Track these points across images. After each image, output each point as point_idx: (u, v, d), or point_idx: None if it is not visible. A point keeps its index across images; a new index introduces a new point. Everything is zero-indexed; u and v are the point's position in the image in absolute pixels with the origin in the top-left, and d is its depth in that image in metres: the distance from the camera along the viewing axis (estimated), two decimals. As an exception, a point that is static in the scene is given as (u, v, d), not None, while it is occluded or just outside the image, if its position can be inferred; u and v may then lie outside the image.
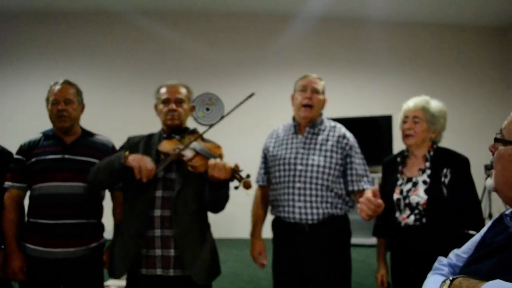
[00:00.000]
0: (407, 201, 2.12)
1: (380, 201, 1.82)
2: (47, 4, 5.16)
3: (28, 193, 2.26)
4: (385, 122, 4.67)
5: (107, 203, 2.37)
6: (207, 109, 5.24)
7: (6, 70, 5.46)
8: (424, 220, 2.06)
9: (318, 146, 2.25)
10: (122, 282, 2.71)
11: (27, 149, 2.23)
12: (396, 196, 2.16)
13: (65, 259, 2.15)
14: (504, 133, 1.08)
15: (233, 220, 4.34)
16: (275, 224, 2.33)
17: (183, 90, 2.18)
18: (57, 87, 2.25)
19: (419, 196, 2.09)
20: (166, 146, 2.05)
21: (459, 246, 1.39)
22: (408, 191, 2.14)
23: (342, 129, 2.32)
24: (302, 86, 2.30)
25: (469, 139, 4.75)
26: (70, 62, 5.41)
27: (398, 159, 2.28)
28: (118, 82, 5.40)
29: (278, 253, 2.30)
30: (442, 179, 2.08)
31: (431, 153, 2.18)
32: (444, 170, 2.09)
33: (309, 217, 2.18)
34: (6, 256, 2.16)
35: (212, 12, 5.40)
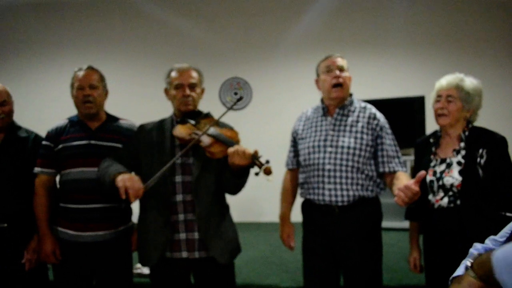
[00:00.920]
0: (440, 182, 2.06)
1: (417, 189, 1.76)
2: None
3: (58, 178, 2.32)
4: (418, 103, 4.54)
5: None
6: (235, 93, 5.27)
7: (31, 59, 5.59)
8: (458, 202, 2.01)
9: (348, 128, 2.21)
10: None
11: (54, 135, 2.28)
12: (429, 178, 2.11)
13: (94, 242, 2.20)
14: None
15: (263, 204, 4.36)
16: (305, 207, 2.32)
17: (195, 74, 2.16)
18: (82, 73, 2.27)
19: (453, 177, 2.03)
20: (181, 131, 2.04)
21: (495, 228, 1.35)
22: (442, 172, 2.08)
23: (372, 110, 2.27)
24: (326, 67, 2.24)
25: (507, 118, 4.57)
26: (93, 49, 5.48)
27: (431, 140, 2.21)
28: (143, 69, 5.44)
29: (308, 236, 2.29)
30: (478, 159, 2.01)
31: (466, 133, 2.11)
32: (480, 151, 2.02)
33: (339, 199, 2.15)
34: (39, 240, 2.25)
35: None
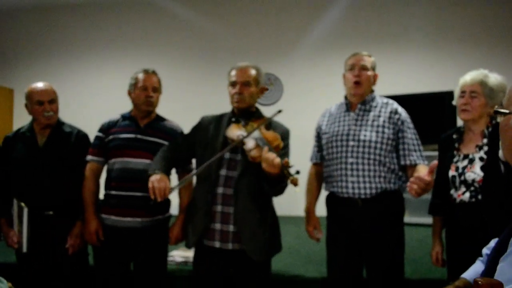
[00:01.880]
0: (462, 178, 2.09)
1: (429, 178, 1.81)
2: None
3: (105, 167, 2.50)
4: (447, 98, 4.49)
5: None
6: (266, 89, 5.34)
7: (73, 58, 5.81)
8: (479, 197, 2.03)
9: (369, 122, 2.27)
10: (186, 253, 2.90)
11: (106, 127, 2.48)
12: (451, 173, 2.14)
13: (133, 228, 2.35)
14: (503, 105, 1.11)
15: (293, 198, 4.42)
16: (329, 199, 2.38)
17: (251, 72, 2.23)
18: (146, 75, 2.45)
19: (475, 173, 2.06)
20: (232, 131, 2.14)
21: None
22: (464, 168, 2.11)
23: (394, 105, 2.32)
24: (350, 65, 2.32)
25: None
26: (138, 50, 5.67)
27: (455, 136, 2.24)
28: (183, 66, 5.59)
29: (332, 228, 2.36)
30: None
31: (489, 129, 2.12)
32: None
33: (362, 191, 2.21)
34: (84, 223, 2.42)
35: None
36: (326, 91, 5.05)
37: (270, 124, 2.21)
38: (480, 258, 1.33)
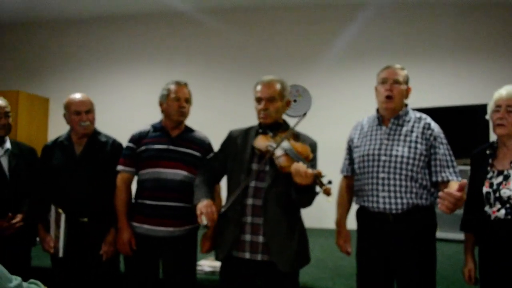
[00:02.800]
0: (497, 194, 2.06)
1: (459, 194, 1.79)
2: (143, 9, 5.58)
3: (136, 177, 2.55)
4: (480, 111, 4.41)
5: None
6: (295, 101, 5.36)
7: (107, 71, 5.98)
8: (515, 214, 1.99)
9: (402, 137, 2.25)
10: (214, 263, 2.93)
11: (138, 138, 2.53)
12: (485, 189, 2.10)
13: (164, 237, 2.39)
14: None
15: (322, 210, 4.39)
16: (360, 213, 2.38)
17: (277, 87, 2.22)
18: (178, 87, 2.51)
19: (511, 190, 2.02)
20: (260, 142, 2.17)
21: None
22: (499, 184, 2.07)
23: (427, 120, 2.30)
24: (382, 79, 2.31)
25: None
26: (169, 61, 5.78)
27: (488, 151, 2.20)
28: (209, 78, 5.66)
29: (363, 242, 2.34)
30: None
31: (526, 145, 2.08)
32: None
33: (393, 206, 2.19)
34: (117, 232, 2.47)
35: (297, 5, 5.46)
36: (355, 103, 5.05)
37: (298, 137, 2.22)
38: None
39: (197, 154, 2.49)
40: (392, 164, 2.21)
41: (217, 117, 5.20)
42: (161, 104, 2.55)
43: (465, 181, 1.80)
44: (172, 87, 2.51)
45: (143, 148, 2.48)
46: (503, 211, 2.03)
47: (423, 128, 2.25)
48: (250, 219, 2.14)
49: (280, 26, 5.56)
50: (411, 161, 2.19)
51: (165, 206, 2.39)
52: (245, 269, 2.16)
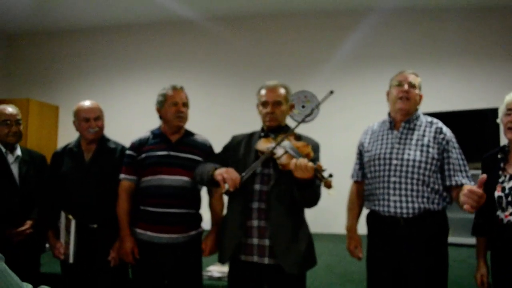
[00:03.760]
0: (509, 198, 2.04)
1: (481, 191, 1.78)
2: (150, 17, 5.63)
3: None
4: (491, 115, 4.38)
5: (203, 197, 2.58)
6: (303, 107, 5.36)
7: (116, 78, 6.03)
8: (528, 218, 1.97)
9: (414, 141, 2.24)
10: (222, 268, 2.93)
11: (138, 146, 2.52)
12: (497, 193, 2.08)
13: (168, 244, 2.38)
14: None
15: (330, 215, 4.38)
16: (370, 218, 2.36)
17: (281, 91, 2.27)
18: (175, 91, 2.50)
19: (524, 194, 1.99)
20: (262, 144, 2.18)
21: None
22: (511, 188, 2.05)
23: (439, 124, 2.29)
24: (398, 81, 2.30)
25: None
26: (174, 69, 5.81)
27: (499, 155, 2.18)
28: (215, 85, 5.69)
29: (373, 247, 2.32)
30: None
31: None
32: None
33: (404, 211, 2.17)
34: (120, 241, 2.47)
35: (303, 12, 5.47)
36: (363, 108, 5.04)
37: (299, 138, 2.23)
38: None
39: (198, 158, 2.47)
40: (404, 168, 2.20)
41: (224, 123, 5.21)
42: (158, 110, 2.54)
43: (485, 176, 1.78)
44: (169, 92, 2.50)
45: (143, 155, 2.47)
46: (516, 215, 2.01)
47: (435, 132, 2.24)
48: (256, 222, 2.14)
49: (287, 32, 5.57)
50: (423, 165, 2.18)
51: (168, 212, 2.38)
52: (253, 272, 2.17)
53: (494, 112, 4.04)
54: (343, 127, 5.14)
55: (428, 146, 2.21)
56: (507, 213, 2.04)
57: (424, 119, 2.32)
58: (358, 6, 5.26)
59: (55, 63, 6.20)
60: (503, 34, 5.05)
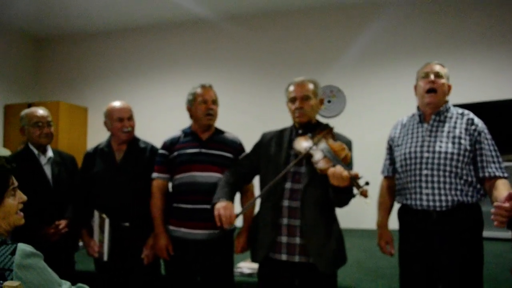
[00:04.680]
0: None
1: (508, 205, 1.70)
2: (171, 18, 5.66)
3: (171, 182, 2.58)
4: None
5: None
6: (329, 101, 5.31)
7: (140, 79, 6.09)
8: None
9: (445, 134, 2.19)
10: (253, 265, 2.93)
11: (170, 145, 2.56)
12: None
13: (201, 240, 2.41)
14: None
15: (361, 211, 4.31)
16: (402, 212, 2.32)
17: (310, 86, 2.25)
18: (204, 89, 2.53)
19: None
20: (300, 143, 2.16)
21: None
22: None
23: (470, 115, 2.24)
24: (424, 73, 2.27)
25: None
26: (200, 68, 5.84)
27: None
28: (242, 83, 5.69)
29: (405, 242, 2.29)
30: None
31: None
32: None
33: (437, 204, 2.13)
34: (154, 238, 2.51)
35: (325, 5, 5.41)
36: (390, 103, 4.97)
37: (334, 136, 2.20)
38: None
39: (229, 155, 2.50)
40: (436, 161, 2.15)
41: (250, 120, 5.24)
42: (189, 109, 2.57)
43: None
44: (198, 90, 2.53)
45: (175, 154, 2.51)
46: (553, 208, 1.94)
47: (467, 123, 2.19)
48: (287, 220, 2.14)
49: (309, 28, 5.52)
50: (455, 156, 2.13)
51: (200, 209, 2.41)
52: (283, 270, 2.16)
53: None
54: (369, 122, 5.07)
55: (459, 137, 2.16)
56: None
57: (454, 111, 2.27)
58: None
59: (83, 65, 6.33)
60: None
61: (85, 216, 2.67)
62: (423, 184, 2.17)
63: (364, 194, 1.84)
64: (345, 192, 1.99)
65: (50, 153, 2.85)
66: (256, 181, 2.41)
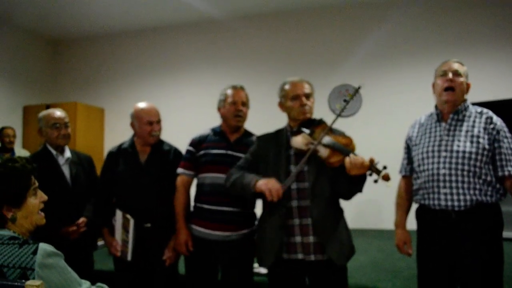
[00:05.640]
0: None
1: None
2: (185, 19, 5.71)
3: (195, 181, 2.60)
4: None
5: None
6: (344, 100, 5.25)
7: (156, 80, 6.14)
8: None
9: (463, 133, 2.17)
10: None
11: (197, 142, 2.57)
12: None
13: (221, 241, 2.42)
14: None
15: (379, 211, 4.29)
16: (420, 212, 2.30)
17: (307, 85, 2.29)
18: (235, 91, 2.54)
19: None
20: (298, 141, 2.15)
21: None
22: None
23: (489, 114, 2.21)
24: (442, 71, 2.25)
25: None
26: (211, 67, 5.88)
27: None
28: (256, 82, 5.68)
29: (423, 242, 2.26)
30: None
31: None
32: None
33: (456, 203, 2.11)
34: (175, 233, 2.52)
35: (338, 4, 5.39)
36: (407, 102, 4.91)
37: (332, 131, 2.19)
38: None
39: None
40: (454, 160, 2.13)
41: (269, 119, 5.22)
42: (219, 110, 2.58)
43: None
44: (229, 91, 2.53)
45: (202, 152, 2.52)
46: None
47: (485, 122, 2.17)
48: (298, 221, 2.14)
49: (328, 27, 5.50)
50: (473, 156, 2.11)
51: (222, 211, 2.42)
52: (296, 269, 2.17)
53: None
54: (385, 121, 5.03)
55: (478, 136, 2.13)
56: None
57: (473, 110, 2.24)
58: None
59: (99, 67, 6.41)
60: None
61: (106, 215, 2.69)
62: (441, 184, 2.14)
63: (386, 177, 1.88)
64: (362, 180, 2.03)
65: (68, 153, 2.88)
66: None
